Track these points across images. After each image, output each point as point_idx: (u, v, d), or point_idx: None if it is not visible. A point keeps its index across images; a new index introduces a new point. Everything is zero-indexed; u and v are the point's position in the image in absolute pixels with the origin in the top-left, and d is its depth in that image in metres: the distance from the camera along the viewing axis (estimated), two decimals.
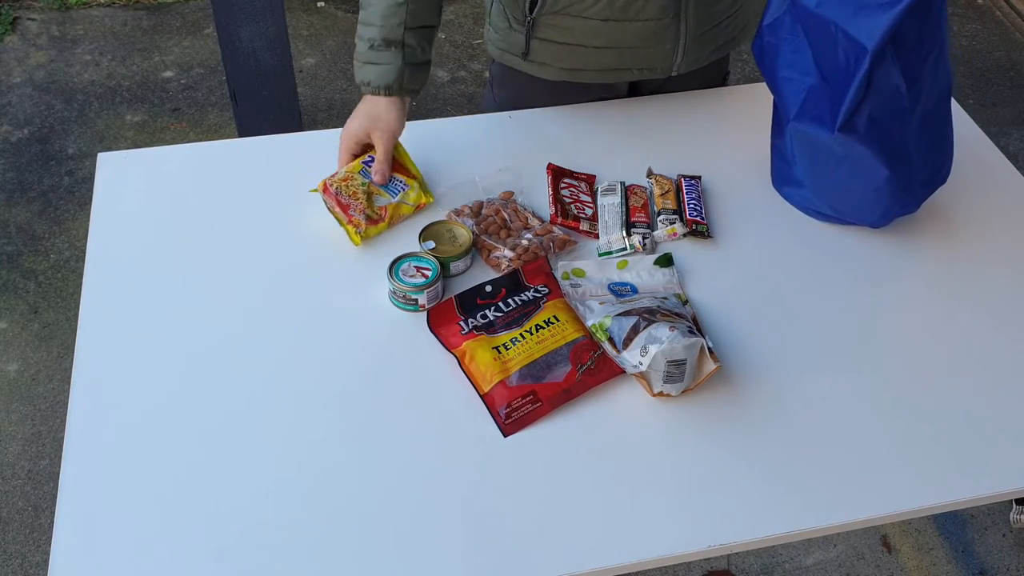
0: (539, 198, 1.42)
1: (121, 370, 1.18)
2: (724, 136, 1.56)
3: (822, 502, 1.09)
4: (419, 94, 1.43)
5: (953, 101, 1.48)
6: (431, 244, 1.31)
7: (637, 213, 1.39)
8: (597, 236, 1.38)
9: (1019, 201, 1.49)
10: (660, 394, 1.16)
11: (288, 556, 1.02)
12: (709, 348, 1.16)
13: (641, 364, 1.14)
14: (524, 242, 1.33)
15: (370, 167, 1.39)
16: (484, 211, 1.38)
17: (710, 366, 1.15)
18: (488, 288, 1.28)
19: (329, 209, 1.37)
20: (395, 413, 1.15)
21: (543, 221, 1.38)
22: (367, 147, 1.41)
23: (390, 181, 1.39)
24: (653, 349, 1.13)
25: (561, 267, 1.31)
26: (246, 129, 2.61)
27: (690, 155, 1.52)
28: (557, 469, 1.10)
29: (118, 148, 2.50)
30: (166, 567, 1.00)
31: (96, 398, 1.15)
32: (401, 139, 1.40)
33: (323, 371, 1.19)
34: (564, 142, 1.53)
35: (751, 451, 1.13)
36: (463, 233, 1.33)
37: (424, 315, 1.25)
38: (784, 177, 1.43)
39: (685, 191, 1.42)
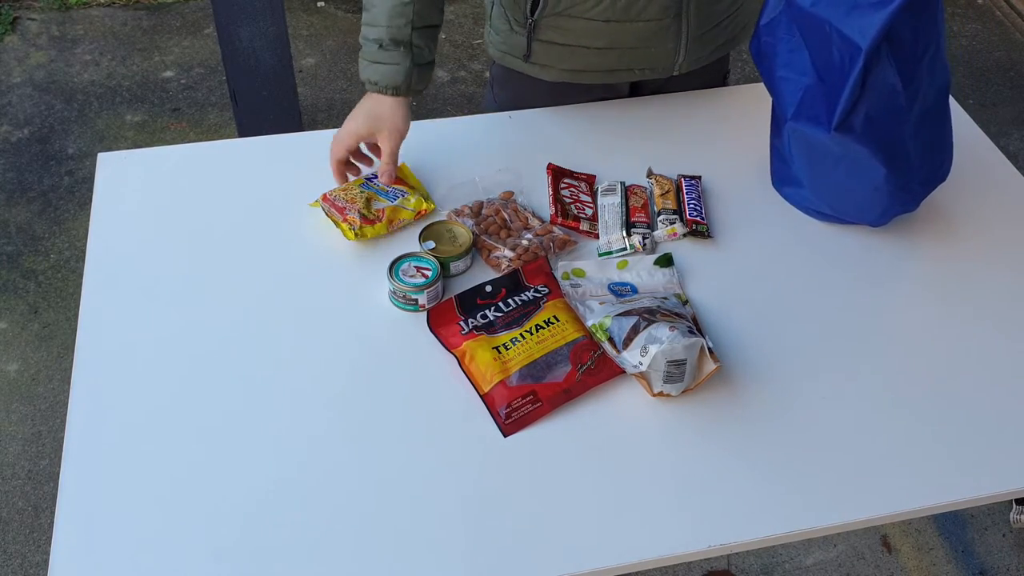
0: (539, 198, 1.42)
1: (121, 370, 1.18)
2: (724, 136, 1.56)
3: (822, 502, 1.09)
4: (422, 95, 1.43)
5: (953, 101, 1.48)
6: (431, 244, 1.31)
7: (637, 213, 1.39)
8: (597, 236, 1.38)
9: (1019, 201, 1.49)
10: (660, 394, 1.16)
11: (288, 556, 1.02)
12: (709, 348, 1.16)
13: (641, 364, 1.14)
14: (524, 242, 1.33)
15: (372, 182, 1.39)
16: (484, 211, 1.38)
17: (710, 366, 1.15)
18: (488, 288, 1.28)
19: (327, 213, 1.37)
20: (395, 413, 1.15)
21: (543, 221, 1.38)
22: (358, 156, 1.41)
23: (390, 189, 1.39)
24: (653, 349, 1.13)
25: (561, 267, 1.31)
26: (246, 129, 2.61)
27: (690, 155, 1.52)
28: (557, 469, 1.10)
29: (118, 148, 2.50)
30: (166, 567, 1.00)
31: (96, 398, 1.15)
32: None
33: (323, 371, 1.19)
34: (564, 142, 1.53)
35: (751, 451, 1.13)
36: (463, 233, 1.33)
37: (424, 315, 1.25)
38: (783, 177, 1.43)
39: (685, 191, 1.42)
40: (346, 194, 1.37)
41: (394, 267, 1.27)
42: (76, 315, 1.28)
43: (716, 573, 1.94)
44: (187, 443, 1.11)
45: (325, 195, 1.38)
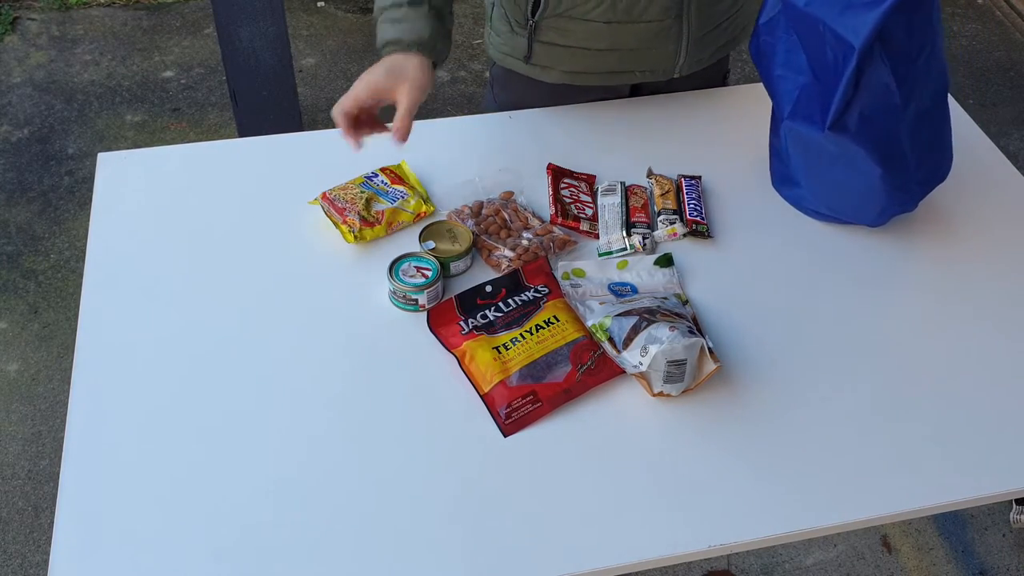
0: (539, 198, 1.42)
1: (121, 370, 1.18)
2: (724, 136, 1.56)
3: (822, 502, 1.09)
4: (438, 69, 1.33)
5: (953, 101, 1.48)
6: (431, 244, 1.31)
7: (637, 213, 1.39)
8: (597, 236, 1.38)
9: (1019, 201, 1.49)
10: (660, 394, 1.16)
11: (288, 556, 1.02)
12: (709, 348, 1.16)
13: (641, 364, 1.14)
14: (524, 242, 1.33)
15: (372, 181, 1.39)
16: (484, 211, 1.38)
17: (710, 366, 1.15)
18: (488, 288, 1.28)
19: (326, 213, 1.37)
20: (395, 413, 1.15)
21: (543, 221, 1.38)
22: (370, 114, 1.30)
23: (390, 190, 1.38)
24: (653, 349, 1.13)
25: (561, 267, 1.31)
26: (246, 129, 2.61)
27: (690, 155, 1.52)
28: (557, 469, 1.10)
29: (118, 148, 2.50)
30: (166, 567, 1.00)
31: (96, 398, 1.15)
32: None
33: (323, 371, 1.19)
34: (564, 142, 1.53)
35: (751, 451, 1.13)
36: (463, 233, 1.33)
37: (424, 315, 1.25)
38: (782, 177, 1.43)
39: (685, 191, 1.42)
40: (346, 194, 1.37)
41: (394, 267, 1.27)
42: (76, 315, 1.28)
43: (716, 573, 1.94)
44: (187, 443, 1.11)
45: (325, 194, 1.38)
